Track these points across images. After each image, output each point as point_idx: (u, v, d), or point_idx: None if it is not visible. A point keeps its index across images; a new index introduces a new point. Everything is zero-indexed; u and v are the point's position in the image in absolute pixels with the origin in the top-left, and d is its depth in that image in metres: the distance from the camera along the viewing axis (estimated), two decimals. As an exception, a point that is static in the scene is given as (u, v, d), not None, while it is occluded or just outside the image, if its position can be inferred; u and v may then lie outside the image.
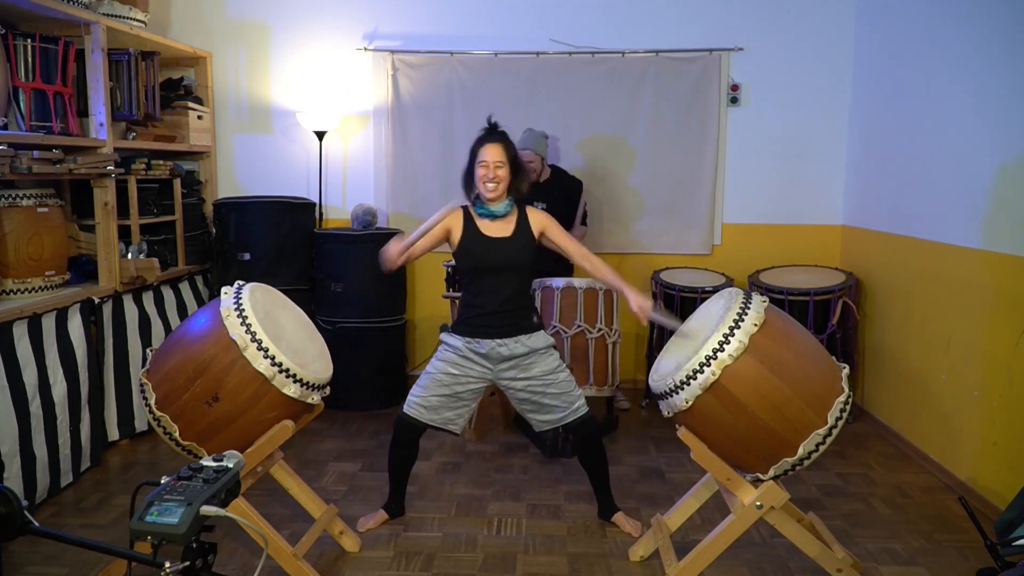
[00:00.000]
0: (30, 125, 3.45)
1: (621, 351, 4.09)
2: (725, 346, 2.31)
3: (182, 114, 4.59)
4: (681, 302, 4.45)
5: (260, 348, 2.42)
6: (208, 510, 1.45)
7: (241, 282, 2.61)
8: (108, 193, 3.77)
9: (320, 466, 3.75)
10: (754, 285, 4.53)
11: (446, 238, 2.99)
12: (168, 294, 4.31)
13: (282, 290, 2.82)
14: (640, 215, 4.96)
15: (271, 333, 2.47)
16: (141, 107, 4.11)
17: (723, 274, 4.72)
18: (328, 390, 2.68)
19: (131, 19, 4.07)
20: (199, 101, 4.78)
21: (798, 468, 2.39)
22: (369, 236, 4.53)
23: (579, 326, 3.86)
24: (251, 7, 4.93)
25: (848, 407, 2.37)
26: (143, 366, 2.66)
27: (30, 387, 3.17)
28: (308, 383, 2.53)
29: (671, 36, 4.82)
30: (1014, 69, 3.16)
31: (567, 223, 4.22)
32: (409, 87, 4.91)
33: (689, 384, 2.35)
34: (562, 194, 4.39)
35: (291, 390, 2.48)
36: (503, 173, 2.92)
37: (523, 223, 3.00)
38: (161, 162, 4.22)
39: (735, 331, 2.32)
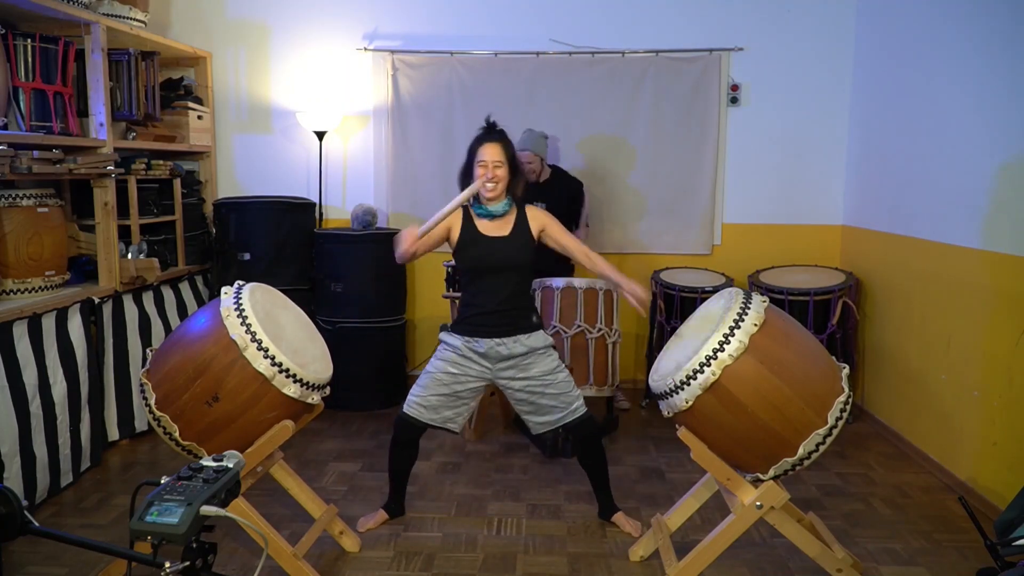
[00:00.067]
0: (30, 125, 3.45)
1: (621, 351, 4.10)
2: (725, 346, 2.31)
3: (182, 114, 4.59)
4: (681, 302, 4.45)
5: (260, 348, 2.42)
6: (208, 510, 1.45)
7: (241, 282, 2.61)
8: (108, 193, 3.77)
9: (320, 466, 3.75)
10: (754, 285, 4.53)
11: (447, 237, 3.00)
12: (168, 294, 4.31)
13: (282, 290, 2.82)
14: (640, 215, 4.95)
15: (271, 333, 2.47)
16: (141, 107, 4.11)
17: (723, 274, 4.72)
18: (328, 390, 2.68)
19: (131, 19, 4.07)
20: (199, 101, 4.78)
21: (798, 468, 2.39)
22: (369, 236, 4.54)
23: (579, 326, 3.86)
24: (251, 7, 4.93)
25: (848, 407, 2.37)
26: (143, 366, 2.66)
27: (30, 387, 3.17)
28: (308, 383, 2.53)
29: (671, 36, 4.81)
30: (1014, 69, 3.16)
31: (568, 224, 4.21)
32: (409, 87, 4.91)
33: (689, 384, 2.35)
34: (562, 194, 4.38)
35: (291, 390, 2.48)
36: (502, 173, 2.92)
37: (522, 222, 3.00)
38: (161, 162, 4.22)
39: (735, 331, 2.32)
